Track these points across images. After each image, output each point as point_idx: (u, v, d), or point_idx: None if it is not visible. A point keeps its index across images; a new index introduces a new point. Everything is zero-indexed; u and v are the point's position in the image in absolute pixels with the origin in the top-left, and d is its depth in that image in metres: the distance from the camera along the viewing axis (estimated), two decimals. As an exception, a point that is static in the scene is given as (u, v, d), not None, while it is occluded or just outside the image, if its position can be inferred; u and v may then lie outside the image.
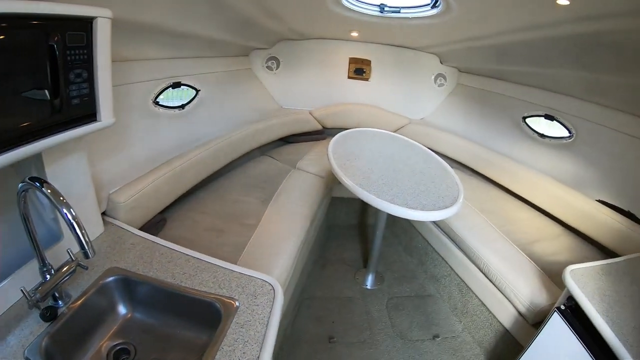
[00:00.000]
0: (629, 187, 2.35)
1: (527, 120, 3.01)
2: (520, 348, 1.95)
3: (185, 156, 2.34)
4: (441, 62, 3.82)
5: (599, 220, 2.40)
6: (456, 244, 2.61)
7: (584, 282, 1.58)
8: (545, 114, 2.83)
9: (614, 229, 2.31)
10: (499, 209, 2.86)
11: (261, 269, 1.54)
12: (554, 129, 2.82)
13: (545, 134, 2.88)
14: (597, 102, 2.46)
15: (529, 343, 1.81)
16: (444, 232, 2.75)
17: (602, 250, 2.43)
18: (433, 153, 2.78)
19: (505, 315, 2.20)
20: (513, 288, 2.10)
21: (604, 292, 1.53)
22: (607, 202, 2.45)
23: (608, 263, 1.74)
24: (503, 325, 2.23)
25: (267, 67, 3.78)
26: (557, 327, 1.62)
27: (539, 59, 2.45)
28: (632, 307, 1.46)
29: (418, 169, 2.51)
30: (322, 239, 3.27)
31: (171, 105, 2.41)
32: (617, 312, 1.43)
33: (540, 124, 2.94)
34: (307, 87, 3.96)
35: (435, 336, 2.53)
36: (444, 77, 3.87)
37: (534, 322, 2.01)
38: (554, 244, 2.48)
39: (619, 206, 2.39)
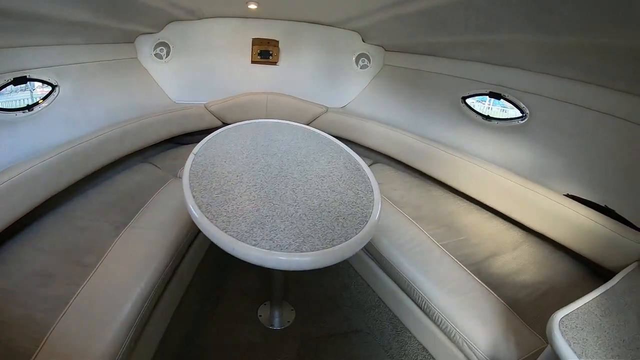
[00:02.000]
0: (603, 174, 1.96)
1: (468, 100, 2.59)
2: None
3: (15, 169, 1.75)
4: (364, 40, 3.40)
5: (570, 220, 1.94)
6: (383, 269, 2.06)
7: (581, 338, 1.12)
8: (490, 92, 2.43)
9: (590, 232, 1.88)
10: (441, 213, 2.34)
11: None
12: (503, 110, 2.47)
13: (492, 115, 2.46)
14: (553, 73, 2.10)
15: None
16: (366, 251, 2.19)
17: (575, 258, 2.02)
18: (344, 146, 2.18)
19: None
20: (465, 336, 1.56)
21: (610, 349, 1.10)
22: (577, 197, 2.04)
23: (604, 292, 1.34)
24: None
25: (155, 55, 3.13)
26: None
27: (482, 24, 2.04)
28: None
29: (316, 171, 1.81)
30: (213, 267, 2.58)
31: (11, 107, 1.99)
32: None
33: (491, 106, 2.55)
34: (205, 77, 3.36)
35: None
36: (368, 58, 3.44)
37: None
38: (516, 257, 1.99)
39: (593, 201, 1.98)
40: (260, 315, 2.21)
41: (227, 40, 3.27)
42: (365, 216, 1.45)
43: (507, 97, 2.33)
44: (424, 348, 1.92)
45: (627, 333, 1.18)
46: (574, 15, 1.57)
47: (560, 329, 1.12)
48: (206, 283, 2.36)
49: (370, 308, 2.23)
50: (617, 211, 1.89)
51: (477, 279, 1.78)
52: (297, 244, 1.24)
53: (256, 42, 3.27)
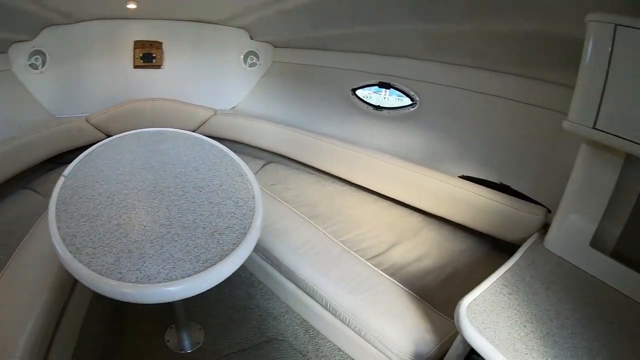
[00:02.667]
0: (496, 153, 2.06)
1: (358, 92, 2.59)
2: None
3: None
4: (251, 38, 3.26)
5: (466, 201, 2.00)
6: (284, 275, 1.97)
7: (491, 321, 1.11)
8: (380, 82, 2.45)
9: (488, 209, 1.94)
10: (338, 209, 2.30)
11: None
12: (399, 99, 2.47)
13: (383, 105, 2.48)
14: (441, 60, 2.17)
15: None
16: (265, 258, 2.07)
17: (477, 235, 2.07)
18: (228, 151, 2.02)
19: None
20: (375, 333, 1.51)
21: (523, 326, 1.11)
22: (472, 177, 2.11)
23: (509, 269, 1.38)
24: None
25: (30, 65, 2.75)
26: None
27: (368, 15, 2.06)
28: (571, 332, 1.13)
29: (194, 182, 1.65)
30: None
31: None
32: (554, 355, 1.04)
33: (387, 96, 2.52)
34: (86, 86, 3.01)
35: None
36: (256, 55, 3.30)
37: None
38: (417, 244, 2.01)
39: (488, 179, 2.07)
40: (167, 341, 2.03)
41: (108, 45, 2.96)
42: (244, 227, 1.33)
43: (396, 86, 2.35)
44: (339, 348, 1.86)
45: (538, 306, 1.21)
46: (458, 4, 1.62)
47: (468, 316, 1.10)
48: (105, 314, 2.12)
49: (279, 315, 2.14)
50: (512, 187, 1.98)
51: (379, 271, 1.75)
52: (167, 271, 1.10)
53: (138, 44, 3.01)
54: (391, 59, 2.37)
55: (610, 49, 1.19)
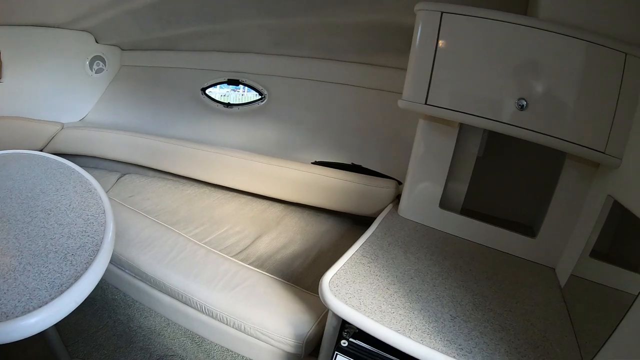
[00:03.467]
0: (344, 137, 2.18)
1: (208, 91, 2.58)
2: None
3: None
4: (97, 41, 3.01)
5: (321, 184, 2.09)
6: (154, 287, 1.86)
7: (355, 290, 1.15)
8: (228, 79, 2.48)
9: (342, 189, 2.05)
10: (199, 212, 2.24)
11: None
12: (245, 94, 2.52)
13: (233, 102, 2.51)
14: (287, 54, 2.23)
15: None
16: (132, 273, 1.93)
17: (337, 215, 2.19)
18: (75, 167, 1.85)
19: (270, 357, 1.60)
20: (254, 325, 1.51)
21: (387, 289, 1.19)
22: (324, 162, 2.22)
23: (366, 240, 1.46)
24: None
25: None
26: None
27: (213, 13, 2.08)
28: (432, 285, 1.26)
29: (42, 205, 1.48)
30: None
31: None
32: (420, 308, 1.13)
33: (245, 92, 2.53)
34: None
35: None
36: (103, 60, 3.06)
37: (311, 351, 1.49)
38: (281, 232, 2.05)
39: (340, 161, 2.20)
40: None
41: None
42: (97, 244, 1.25)
43: (245, 81, 2.37)
44: (227, 349, 1.83)
45: (398, 268, 1.30)
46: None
47: (332, 291, 1.12)
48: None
49: (162, 330, 2.03)
50: (363, 165, 2.13)
51: (247, 265, 1.76)
52: (23, 304, 0.99)
53: (-29, 58, 2.57)
54: (240, 55, 2.38)
55: (437, 34, 1.34)
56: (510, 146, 1.70)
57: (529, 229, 1.63)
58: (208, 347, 1.89)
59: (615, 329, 0.95)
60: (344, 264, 1.26)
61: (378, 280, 1.21)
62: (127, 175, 2.76)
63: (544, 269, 1.55)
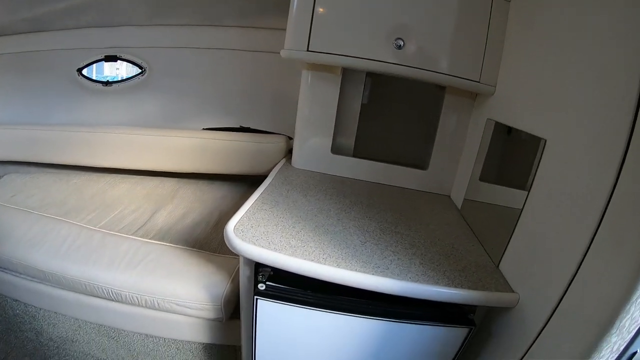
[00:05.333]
0: (230, 101, 2.22)
1: (85, 71, 2.37)
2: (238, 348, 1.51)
3: None
4: None
5: (213, 149, 2.10)
6: (56, 286, 1.67)
7: (260, 233, 1.12)
8: (105, 56, 2.29)
9: (235, 151, 2.09)
10: (89, 198, 2.07)
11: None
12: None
13: (111, 80, 2.35)
14: (166, 23, 2.16)
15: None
16: (30, 277, 1.73)
17: (233, 179, 2.22)
18: None
19: (192, 330, 1.56)
20: (167, 298, 1.44)
21: (293, 227, 1.18)
22: (213, 128, 2.23)
23: (264, 190, 1.44)
24: (200, 343, 1.61)
25: None
26: (267, 310, 1.09)
27: None
28: (337, 219, 1.29)
29: None
30: None
31: None
32: (329, 239, 1.15)
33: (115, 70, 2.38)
34: None
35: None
36: None
37: (232, 312, 1.46)
38: (177, 204, 2.00)
39: (229, 126, 2.22)
40: None
41: None
42: None
43: (123, 57, 2.24)
44: (147, 335, 1.70)
45: (300, 210, 1.31)
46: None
47: (238, 236, 1.08)
48: None
49: (74, 334, 1.82)
50: (251, 127, 2.16)
51: (148, 240, 1.67)
52: None
53: None
54: (116, 29, 2.22)
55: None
56: (394, 91, 1.78)
57: (420, 163, 1.73)
58: (126, 340, 1.75)
59: (512, 235, 1.08)
60: (246, 212, 1.22)
61: (283, 221, 1.20)
62: (5, 176, 2.44)
63: (440, 197, 1.67)
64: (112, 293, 1.50)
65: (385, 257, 1.08)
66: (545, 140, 1.00)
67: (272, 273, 1.09)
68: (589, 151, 0.84)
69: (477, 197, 1.47)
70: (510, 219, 1.10)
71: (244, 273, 1.17)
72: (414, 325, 1.05)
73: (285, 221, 1.21)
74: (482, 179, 1.45)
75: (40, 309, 1.81)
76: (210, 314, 1.43)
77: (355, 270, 1.00)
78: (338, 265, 1.01)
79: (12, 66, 2.53)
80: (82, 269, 1.53)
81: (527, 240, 1.02)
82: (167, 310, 1.48)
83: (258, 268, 1.10)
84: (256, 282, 1.07)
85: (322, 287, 1.05)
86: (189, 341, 1.61)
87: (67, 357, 1.82)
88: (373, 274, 0.99)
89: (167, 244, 1.63)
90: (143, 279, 1.46)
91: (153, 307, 1.48)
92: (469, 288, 1.01)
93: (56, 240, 1.67)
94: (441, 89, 1.62)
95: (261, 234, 1.10)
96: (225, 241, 1.09)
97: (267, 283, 1.07)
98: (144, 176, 2.25)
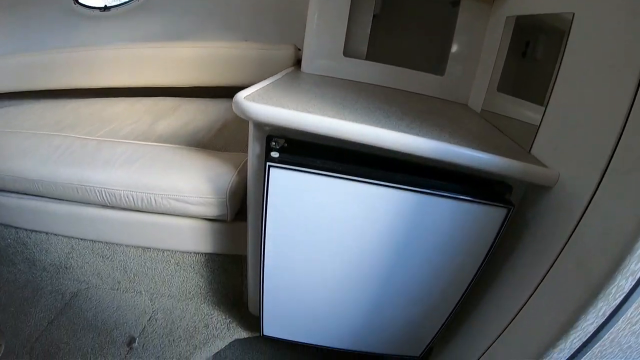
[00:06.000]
0: (236, 16, 2.12)
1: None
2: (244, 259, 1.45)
3: None
4: None
5: (215, 58, 2.02)
6: (46, 195, 1.55)
7: (275, 101, 0.97)
8: None
9: (239, 59, 1.99)
10: (86, 117, 1.92)
11: None
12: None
13: (108, 4, 2.23)
14: None
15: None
16: (17, 191, 1.60)
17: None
18: None
19: (193, 237, 1.45)
20: (168, 193, 1.33)
21: (310, 101, 1.04)
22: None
23: (274, 81, 1.28)
24: (202, 254, 1.52)
25: None
26: (280, 182, 0.97)
27: None
28: (355, 101, 1.15)
29: None
30: None
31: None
32: (349, 112, 1.00)
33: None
34: None
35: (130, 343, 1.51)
36: None
37: (237, 211, 1.37)
38: (179, 116, 1.88)
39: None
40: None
41: None
42: None
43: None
44: (143, 250, 1.59)
45: (315, 93, 1.18)
46: None
47: (250, 100, 0.93)
48: None
49: (68, 259, 1.72)
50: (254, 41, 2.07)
51: (147, 143, 1.57)
52: None
53: None
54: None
55: None
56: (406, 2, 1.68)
57: (437, 69, 1.63)
58: (122, 259, 1.65)
59: (543, 116, 0.99)
60: (257, 89, 1.08)
61: (297, 96, 1.08)
62: (1, 109, 2.30)
63: (457, 105, 1.57)
64: (106, 195, 1.39)
65: (412, 128, 0.96)
66: (573, 14, 0.91)
67: (285, 145, 0.98)
68: (621, 20, 0.76)
69: (495, 108, 1.38)
70: (538, 101, 1.02)
71: (254, 152, 1.05)
72: (449, 200, 0.95)
73: (300, 96, 1.09)
74: (501, 89, 1.36)
75: (31, 232, 1.70)
76: (214, 211, 1.33)
77: (383, 127, 0.90)
78: (363, 123, 0.90)
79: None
80: (74, 171, 1.42)
81: (561, 119, 0.93)
82: (165, 211, 1.38)
83: (270, 143, 0.98)
84: (268, 152, 0.95)
85: (342, 159, 0.95)
86: (190, 252, 1.52)
87: (60, 286, 1.73)
88: (403, 132, 0.89)
89: (167, 145, 1.53)
90: (140, 175, 1.36)
91: (150, 208, 1.38)
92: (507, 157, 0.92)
93: (48, 149, 1.55)
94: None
95: (274, 102, 0.97)
96: (234, 108, 0.95)
97: (282, 153, 0.95)
98: (141, 98, 2.14)
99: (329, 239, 1.05)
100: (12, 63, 2.23)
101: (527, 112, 1.09)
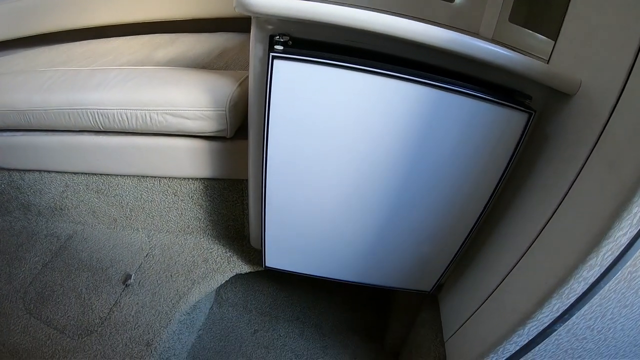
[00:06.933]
0: None
1: None
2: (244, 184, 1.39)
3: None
4: None
5: None
6: (36, 125, 1.45)
7: None
8: None
9: None
10: (78, 57, 1.80)
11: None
12: None
13: None
14: None
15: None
16: (7, 126, 1.51)
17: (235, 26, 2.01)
18: None
19: (190, 159, 1.38)
20: (164, 108, 1.24)
21: None
22: None
23: None
24: (201, 180, 1.46)
25: None
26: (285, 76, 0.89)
27: None
28: None
29: None
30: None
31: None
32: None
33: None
34: None
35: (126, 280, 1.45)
36: None
37: (238, 127, 1.30)
38: (176, 47, 1.76)
39: None
40: None
41: None
42: None
43: None
44: (139, 180, 1.51)
45: None
46: None
47: None
48: None
49: (62, 200, 1.65)
50: None
51: (144, 67, 1.49)
52: None
53: None
54: None
55: None
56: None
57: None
58: (117, 193, 1.58)
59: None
60: None
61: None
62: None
63: (468, 33, 1.49)
64: (98, 116, 1.31)
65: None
66: None
67: (290, 42, 0.89)
68: None
69: (505, 38, 1.33)
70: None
71: (256, 55, 0.96)
72: (469, 98, 0.87)
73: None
74: (512, 20, 1.30)
75: (24, 172, 1.63)
76: (213, 125, 1.25)
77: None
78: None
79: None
80: (65, 96, 1.34)
81: (579, 28, 0.88)
82: (161, 130, 1.30)
83: (273, 41, 0.89)
84: (272, 46, 0.87)
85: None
86: (188, 179, 1.46)
87: (55, 229, 1.68)
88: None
89: (164, 67, 1.46)
90: (134, 92, 1.28)
91: (145, 128, 1.30)
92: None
93: (40, 80, 1.45)
94: None
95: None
96: (235, 4, 0.84)
97: (286, 48, 0.88)
98: (135, 36, 2.02)
99: (337, 146, 0.98)
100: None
101: (543, 30, 1.07)
